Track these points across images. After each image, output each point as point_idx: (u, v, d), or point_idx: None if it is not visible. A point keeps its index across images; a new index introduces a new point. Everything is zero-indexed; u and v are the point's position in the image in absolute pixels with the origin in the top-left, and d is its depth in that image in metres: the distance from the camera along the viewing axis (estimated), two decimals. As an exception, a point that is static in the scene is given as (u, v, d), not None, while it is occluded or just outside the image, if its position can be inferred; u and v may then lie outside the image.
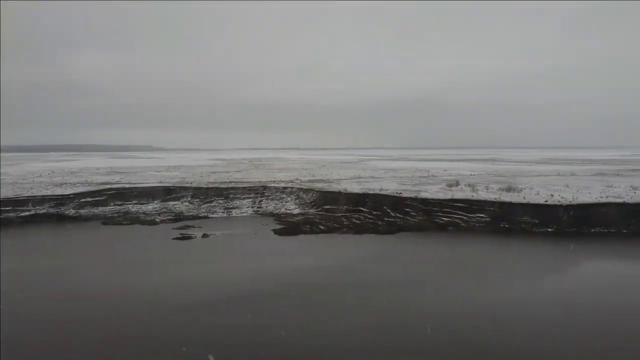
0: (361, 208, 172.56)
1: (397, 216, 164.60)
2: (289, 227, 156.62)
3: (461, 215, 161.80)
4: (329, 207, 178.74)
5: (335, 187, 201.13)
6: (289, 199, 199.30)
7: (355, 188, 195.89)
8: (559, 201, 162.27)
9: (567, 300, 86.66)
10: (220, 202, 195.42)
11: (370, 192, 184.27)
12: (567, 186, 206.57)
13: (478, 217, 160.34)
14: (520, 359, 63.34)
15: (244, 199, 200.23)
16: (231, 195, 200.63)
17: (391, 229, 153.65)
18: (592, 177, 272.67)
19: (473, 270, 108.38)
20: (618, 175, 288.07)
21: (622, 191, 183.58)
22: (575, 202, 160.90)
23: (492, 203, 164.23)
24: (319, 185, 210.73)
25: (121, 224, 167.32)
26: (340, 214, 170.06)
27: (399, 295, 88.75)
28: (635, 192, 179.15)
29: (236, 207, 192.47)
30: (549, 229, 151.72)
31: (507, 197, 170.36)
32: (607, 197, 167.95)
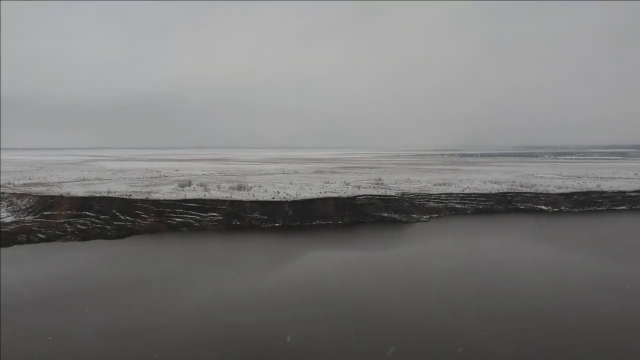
0: (87, 212, 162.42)
1: (127, 219, 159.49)
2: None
3: (194, 215, 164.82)
4: (49, 213, 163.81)
5: (56, 191, 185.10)
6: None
7: (79, 191, 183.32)
8: (284, 197, 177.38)
9: (299, 285, 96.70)
10: None
11: (97, 195, 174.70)
12: (291, 183, 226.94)
13: (211, 216, 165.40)
14: (277, 346, 68.81)
15: None
16: None
17: (121, 233, 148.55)
18: (312, 174, 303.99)
19: (211, 267, 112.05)
20: (334, 172, 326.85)
21: (337, 187, 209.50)
22: (299, 198, 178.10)
23: (223, 202, 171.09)
24: (36, 190, 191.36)
25: None
26: (63, 220, 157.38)
27: (141, 297, 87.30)
28: (348, 187, 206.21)
29: None
30: (277, 224, 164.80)
31: (238, 196, 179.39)
32: (325, 192, 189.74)
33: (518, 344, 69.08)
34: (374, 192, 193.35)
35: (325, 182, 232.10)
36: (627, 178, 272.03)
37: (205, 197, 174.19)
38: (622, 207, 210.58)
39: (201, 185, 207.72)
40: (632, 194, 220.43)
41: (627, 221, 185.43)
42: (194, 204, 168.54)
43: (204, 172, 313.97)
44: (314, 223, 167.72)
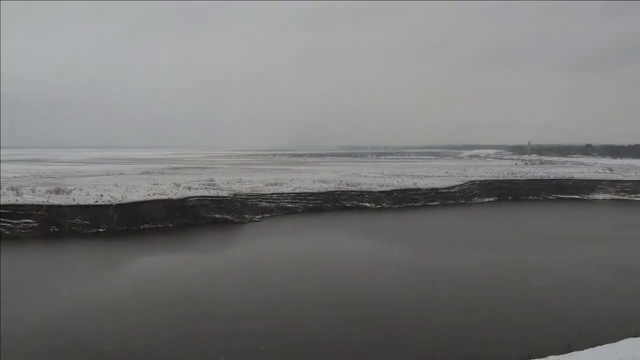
0: None
1: None
2: None
3: (5, 222, 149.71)
4: None
5: None
6: None
7: None
8: (109, 201, 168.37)
9: (134, 291, 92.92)
10: None
11: None
12: (116, 185, 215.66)
13: (25, 222, 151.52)
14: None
15: None
16: None
17: None
18: (139, 175, 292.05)
19: (30, 279, 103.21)
20: (163, 173, 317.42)
21: (167, 188, 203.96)
22: (125, 200, 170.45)
23: (39, 207, 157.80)
24: None
25: None
26: None
27: None
28: (178, 189, 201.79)
29: None
30: (101, 229, 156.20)
31: (56, 200, 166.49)
32: (154, 194, 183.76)
33: (365, 336, 73.93)
34: (206, 194, 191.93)
35: (154, 184, 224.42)
36: (439, 176, 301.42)
37: (17, 202, 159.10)
38: (435, 203, 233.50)
39: (12, 189, 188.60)
40: (444, 191, 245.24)
41: (440, 215, 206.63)
42: (4, 210, 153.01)
43: (16, 175, 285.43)
44: (142, 227, 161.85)
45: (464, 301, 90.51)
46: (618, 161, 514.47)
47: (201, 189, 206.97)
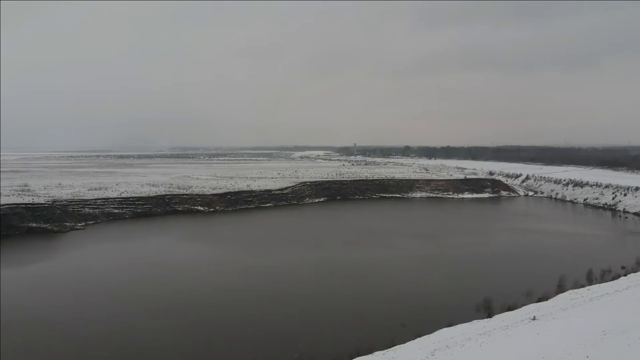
0: None
1: None
2: None
3: None
4: None
5: None
6: None
7: None
8: None
9: None
10: None
11: None
12: None
13: None
14: None
15: None
16: None
17: None
18: None
19: None
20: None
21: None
22: None
23: None
24: None
25: None
26: None
27: None
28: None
29: None
30: None
31: None
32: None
33: (195, 337, 73.76)
34: (19, 200, 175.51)
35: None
36: (272, 177, 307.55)
37: None
38: (269, 204, 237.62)
39: None
40: (276, 192, 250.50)
41: (273, 217, 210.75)
42: None
43: None
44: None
45: (297, 299, 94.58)
46: (432, 162, 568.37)
47: (13, 195, 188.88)
